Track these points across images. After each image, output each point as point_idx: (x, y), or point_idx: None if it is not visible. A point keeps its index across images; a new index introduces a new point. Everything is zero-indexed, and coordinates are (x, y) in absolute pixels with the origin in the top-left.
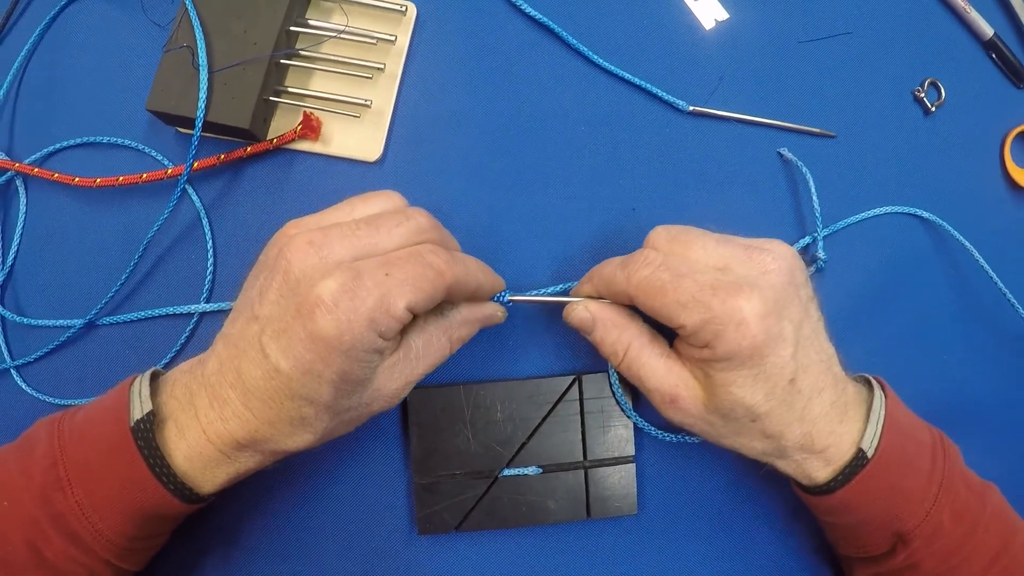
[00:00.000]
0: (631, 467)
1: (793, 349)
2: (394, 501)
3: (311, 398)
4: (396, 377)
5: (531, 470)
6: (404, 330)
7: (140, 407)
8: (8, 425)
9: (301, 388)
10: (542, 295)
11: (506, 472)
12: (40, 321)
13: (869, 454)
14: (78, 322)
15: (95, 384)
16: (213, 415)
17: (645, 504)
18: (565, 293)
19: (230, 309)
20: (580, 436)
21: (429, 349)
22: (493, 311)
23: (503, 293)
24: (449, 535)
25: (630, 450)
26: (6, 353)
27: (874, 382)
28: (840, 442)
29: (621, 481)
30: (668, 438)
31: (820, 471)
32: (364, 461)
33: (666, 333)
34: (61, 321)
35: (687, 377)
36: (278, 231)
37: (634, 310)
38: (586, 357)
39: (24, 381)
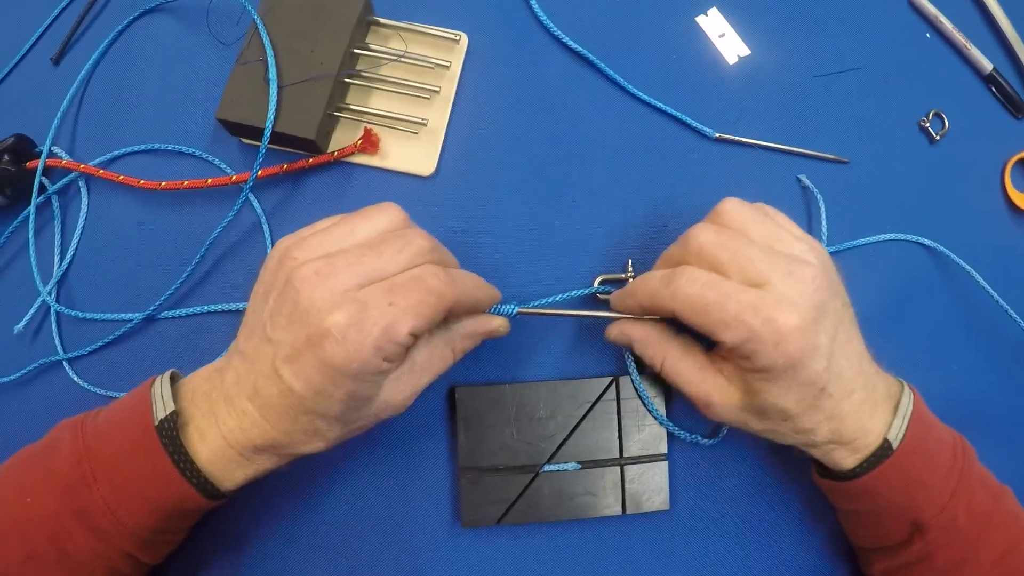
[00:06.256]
0: (664, 464)
1: (827, 362)
2: (437, 495)
3: (323, 413)
4: (402, 389)
5: (571, 466)
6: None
7: (163, 407)
8: (60, 416)
9: (314, 406)
10: (551, 303)
11: (547, 467)
12: (99, 315)
13: (894, 445)
14: (137, 316)
15: (149, 377)
16: (232, 424)
17: (677, 500)
18: (573, 299)
19: None
20: (617, 434)
21: (433, 361)
22: (497, 326)
23: (512, 306)
24: (490, 528)
25: (663, 448)
26: (59, 346)
27: (904, 382)
28: (867, 435)
29: (655, 478)
30: (694, 439)
31: (847, 459)
32: (409, 455)
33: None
34: (120, 315)
35: (722, 383)
36: (279, 247)
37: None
38: (622, 361)
39: (76, 374)
